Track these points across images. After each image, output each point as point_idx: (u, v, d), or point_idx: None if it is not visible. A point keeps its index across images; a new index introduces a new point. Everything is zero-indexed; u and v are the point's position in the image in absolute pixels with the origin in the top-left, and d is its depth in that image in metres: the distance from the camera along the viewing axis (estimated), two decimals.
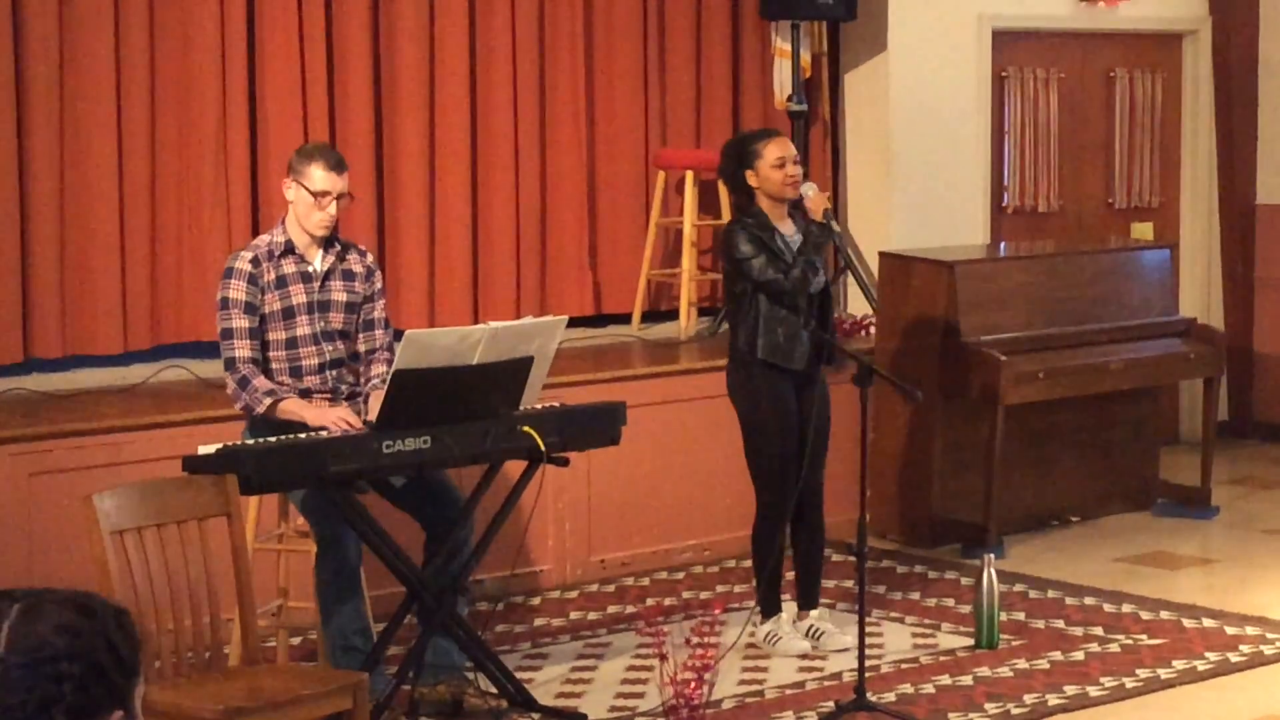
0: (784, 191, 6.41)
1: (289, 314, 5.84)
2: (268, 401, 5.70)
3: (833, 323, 6.74)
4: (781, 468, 6.45)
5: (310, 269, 5.90)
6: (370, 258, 6.10)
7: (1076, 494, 8.67)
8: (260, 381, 5.74)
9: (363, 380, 5.96)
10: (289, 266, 5.87)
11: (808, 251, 6.37)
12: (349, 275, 5.97)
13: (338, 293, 5.93)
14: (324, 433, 5.61)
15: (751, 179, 6.43)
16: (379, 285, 6.06)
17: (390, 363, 5.82)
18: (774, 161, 6.40)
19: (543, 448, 5.77)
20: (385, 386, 5.61)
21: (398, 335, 5.81)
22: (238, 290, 5.80)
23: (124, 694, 2.21)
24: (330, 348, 5.90)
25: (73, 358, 7.46)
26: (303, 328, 5.86)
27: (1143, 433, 8.92)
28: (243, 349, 5.76)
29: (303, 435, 5.56)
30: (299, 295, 5.86)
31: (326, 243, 5.94)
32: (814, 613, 6.68)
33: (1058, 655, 6.53)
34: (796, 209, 6.52)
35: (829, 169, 9.29)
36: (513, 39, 8.41)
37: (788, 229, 6.45)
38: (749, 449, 6.53)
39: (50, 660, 2.16)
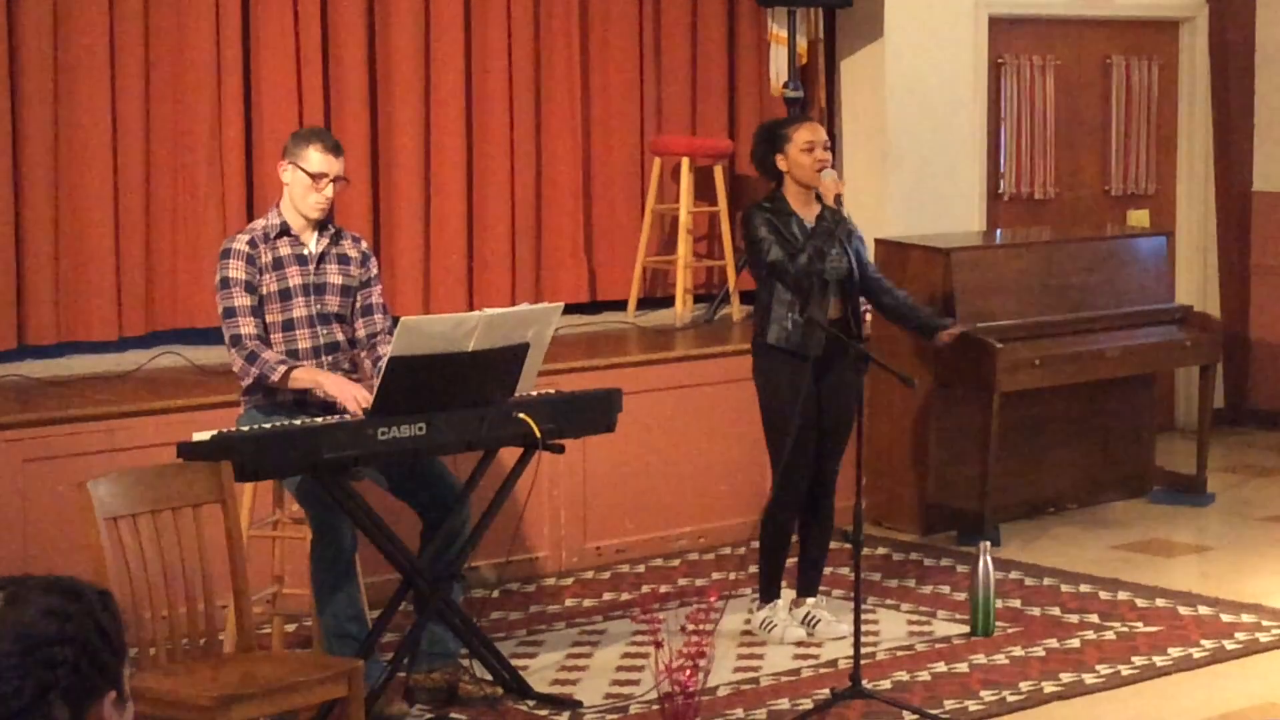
0: (811, 176, 6.42)
1: (285, 295, 5.84)
2: (282, 369, 5.69)
3: (857, 308, 6.62)
4: (795, 455, 6.42)
5: (306, 251, 5.90)
6: (365, 243, 6.10)
7: (1072, 481, 8.67)
8: (270, 354, 5.73)
9: (369, 362, 5.95)
10: (285, 249, 5.87)
11: (818, 237, 6.37)
12: (344, 259, 5.97)
13: (333, 275, 5.93)
14: (340, 416, 5.58)
15: (781, 163, 6.46)
16: (375, 271, 6.06)
17: None
18: (803, 145, 6.42)
19: (538, 434, 5.76)
20: None
21: (393, 322, 5.80)
22: (237, 270, 5.79)
23: (115, 674, 2.21)
24: (325, 331, 5.89)
25: (67, 344, 7.44)
26: (299, 309, 5.85)
27: (1139, 420, 8.92)
28: (247, 326, 5.75)
29: (298, 421, 5.55)
30: (295, 277, 5.86)
31: (321, 226, 5.94)
32: (810, 600, 6.68)
33: (1053, 643, 6.53)
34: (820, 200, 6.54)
35: None
36: (508, 25, 8.39)
37: (810, 216, 6.46)
38: (766, 434, 6.52)
39: (43, 645, 2.16)
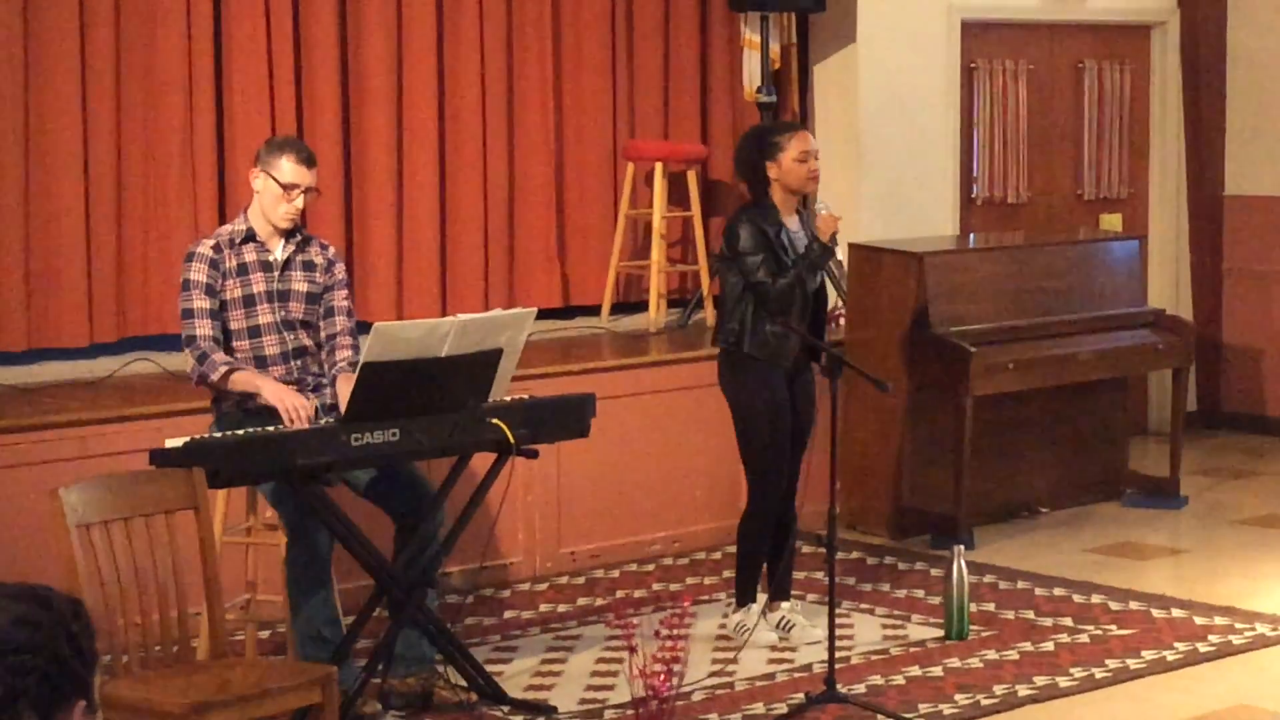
0: (805, 185, 6.44)
1: (249, 301, 5.84)
2: (223, 369, 5.71)
3: (823, 319, 6.65)
4: (774, 459, 6.43)
5: (271, 258, 5.90)
6: (332, 250, 6.09)
7: (1046, 485, 8.69)
8: (219, 355, 5.74)
9: (327, 366, 5.94)
10: (250, 254, 5.87)
11: (801, 265, 6.37)
12: (309, 266, 5.96)
13: (298, 282, 5.92)
14: (281, 426, 5.57)
15: (772, 170, 6.44)
16: (340, 276, 6.05)
17: (355, 348, 5.83)
18: (797, 155, 6.42)
19: (512, 440, 5.75)
20: (353, 371, 5.59)
21: (366, 327, 5.79)
22: (199, 273, 5.80)
23: (85, 683, 2.20)
24: (292, 337, 5.89)
25: (38, 350, 7.42)
26: (264, 315, 5.85)
27: (1112, 423, 8.94)
28: (203, 327, 5.77)
29: (270, 429, 5.53)
30: (259, 284, 5.86)
31: (288, 233, 5.93)
32: (785, 604, 6.68)
33: (1027, 646, 6.54)
34: (804, 206, 6.54)
35: None
36: (481, 30, 8.39)
37: (794, 225, 6.47)
38: (741, 440, 6.51)
39: (12, 653, 2.15)
